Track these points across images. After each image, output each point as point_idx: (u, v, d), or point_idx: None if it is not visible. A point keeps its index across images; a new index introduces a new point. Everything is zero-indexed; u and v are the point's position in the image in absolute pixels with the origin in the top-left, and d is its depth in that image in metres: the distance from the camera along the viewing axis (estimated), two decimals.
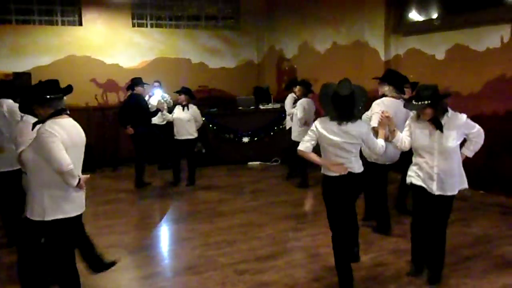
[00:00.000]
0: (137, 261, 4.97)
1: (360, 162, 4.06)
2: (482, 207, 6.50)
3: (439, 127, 3.95)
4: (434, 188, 4.03)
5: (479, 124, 4.17)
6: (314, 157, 4.00)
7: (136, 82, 8.23)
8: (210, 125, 10.12)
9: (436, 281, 4.20)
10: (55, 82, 3.53)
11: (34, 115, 3.55)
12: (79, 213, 3.56)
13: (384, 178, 5.50)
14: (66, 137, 3.37)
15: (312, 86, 8.23)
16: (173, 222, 6.49)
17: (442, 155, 3.99)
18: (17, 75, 9.32)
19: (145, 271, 4.73)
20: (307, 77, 9.88)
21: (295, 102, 8.25)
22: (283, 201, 7.24)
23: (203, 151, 10.10)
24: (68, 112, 3.55)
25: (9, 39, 9.94)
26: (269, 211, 6.65)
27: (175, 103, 8.69)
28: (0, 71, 9.79)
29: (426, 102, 3.90)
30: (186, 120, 8.05)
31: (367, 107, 5.20)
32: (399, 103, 5.14)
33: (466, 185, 4.15)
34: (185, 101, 8.11)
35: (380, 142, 4.08)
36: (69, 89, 3.58)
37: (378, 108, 5.10)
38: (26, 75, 9.31)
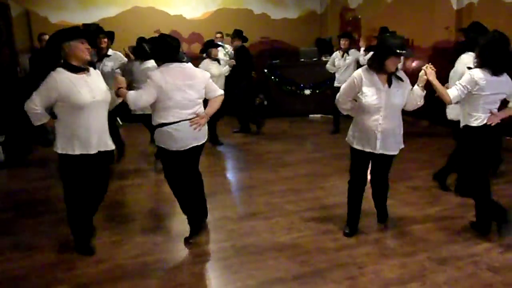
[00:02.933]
0: None
1: None
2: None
3: None
4: None
5: None
6: None
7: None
8: (272, 77, 10.10)
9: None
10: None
11: None
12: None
13: None
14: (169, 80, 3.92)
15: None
16: (238, 171, 6.67)
17: None
18: (86, 26, 9.61)
19: (213, 215, 4.90)
20: (372, 28, 9.60)
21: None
22: (347, 153, 7.16)
23: (265, 103, 10.15)
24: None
25: None
26: (332, 163, 6.67)
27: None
28: (70, 23, 10.14)
29: None
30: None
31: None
32: None
33: None
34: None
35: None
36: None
37: None
38: (95, 26, 9.57)
